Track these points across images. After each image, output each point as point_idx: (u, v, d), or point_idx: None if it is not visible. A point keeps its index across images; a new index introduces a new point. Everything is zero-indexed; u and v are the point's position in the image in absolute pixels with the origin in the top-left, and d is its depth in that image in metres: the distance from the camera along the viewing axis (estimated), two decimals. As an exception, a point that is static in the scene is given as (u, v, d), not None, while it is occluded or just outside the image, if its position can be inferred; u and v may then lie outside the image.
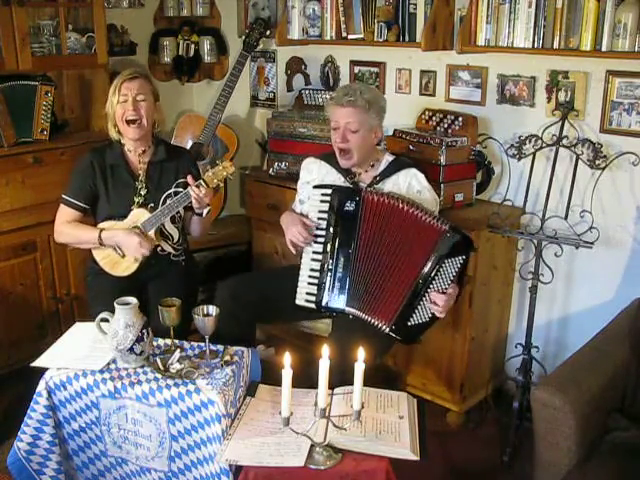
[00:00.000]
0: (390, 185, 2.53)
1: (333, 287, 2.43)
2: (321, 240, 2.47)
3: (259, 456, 1.90)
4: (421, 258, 2.32)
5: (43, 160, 3.09)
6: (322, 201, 2.47)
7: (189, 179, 2.52)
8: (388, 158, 2.60)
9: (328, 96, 2.52)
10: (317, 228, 2.48)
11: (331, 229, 2.44)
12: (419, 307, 2.36)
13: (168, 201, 2.60)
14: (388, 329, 2.38)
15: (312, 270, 2.47)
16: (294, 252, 2.55)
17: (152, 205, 2.63)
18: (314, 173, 2.66)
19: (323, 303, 2.44)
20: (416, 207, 2.36)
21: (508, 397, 2.90)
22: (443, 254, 2.30)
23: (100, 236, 2.58)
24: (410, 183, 2.53)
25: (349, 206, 2.42)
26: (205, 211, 2.60)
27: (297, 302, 2.48)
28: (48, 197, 2.97)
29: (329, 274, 2.43)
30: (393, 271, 2.38)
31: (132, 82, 2.55)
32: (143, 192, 2.64)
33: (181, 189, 2.61)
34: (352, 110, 2.44)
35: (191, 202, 2.52)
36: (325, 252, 2.45)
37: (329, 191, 2.47)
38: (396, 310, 2.36)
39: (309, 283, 2.47)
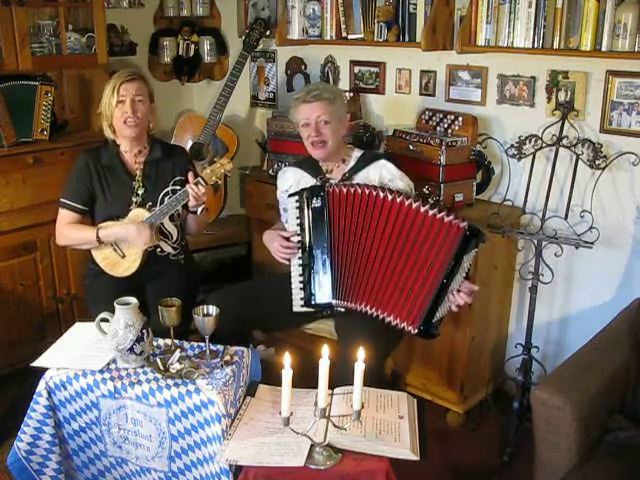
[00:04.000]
0: (362, 180, 2.53)
1: (317, 283, 2.44)
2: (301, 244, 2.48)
3: (259, 456, 1.90)
4: (442, 257, 2.29)
5: (43, 160, 3.08)
6: (296, 207, 2.48)
7: (190, 176, 2.52)
8: (357, 154, 2.61)
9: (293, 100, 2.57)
10: (297, 234, 2.48)
11: (306, 229, 2.45)
12: (442, 304, 2.35)
13: (166, 199, 2.59)
14: (416, 331, 2.36)
15: (300, 275, 2.48)
16: (287, 264, 2.53)
17: (150, 204, 2.63)
18: (290, 180, 2.66)
19: (312, 301, 2.45)
20: (409, 199, 2.33)
21: (508, 397, 2.91)
22: (464, 251, 2.29)
23: (98, 234, 2.58)
24: (381, 174, 2.53)
25: (316, 202, 2.43)
26: (200, 209, 2.59)
27: (294, 309, 2.49)
28: (48, 197, 2.97)
29: (310, 271, 2.45)
30: (404, 269, 2.34)
31: (131, 83, 2.55)
32: (140, 192, 2.63)
33: (178, 187, 2.61)
34: (320, 104, 2.50)
35: (189, 200, 2.52)
36: (304, 252, 2.47)
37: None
38: (423, 311, 2.34)
39: (300, 289, 2.48)
